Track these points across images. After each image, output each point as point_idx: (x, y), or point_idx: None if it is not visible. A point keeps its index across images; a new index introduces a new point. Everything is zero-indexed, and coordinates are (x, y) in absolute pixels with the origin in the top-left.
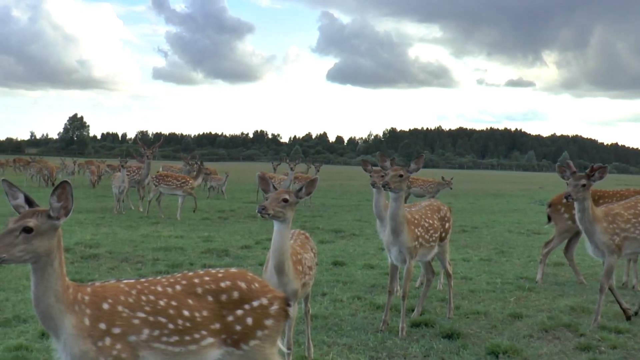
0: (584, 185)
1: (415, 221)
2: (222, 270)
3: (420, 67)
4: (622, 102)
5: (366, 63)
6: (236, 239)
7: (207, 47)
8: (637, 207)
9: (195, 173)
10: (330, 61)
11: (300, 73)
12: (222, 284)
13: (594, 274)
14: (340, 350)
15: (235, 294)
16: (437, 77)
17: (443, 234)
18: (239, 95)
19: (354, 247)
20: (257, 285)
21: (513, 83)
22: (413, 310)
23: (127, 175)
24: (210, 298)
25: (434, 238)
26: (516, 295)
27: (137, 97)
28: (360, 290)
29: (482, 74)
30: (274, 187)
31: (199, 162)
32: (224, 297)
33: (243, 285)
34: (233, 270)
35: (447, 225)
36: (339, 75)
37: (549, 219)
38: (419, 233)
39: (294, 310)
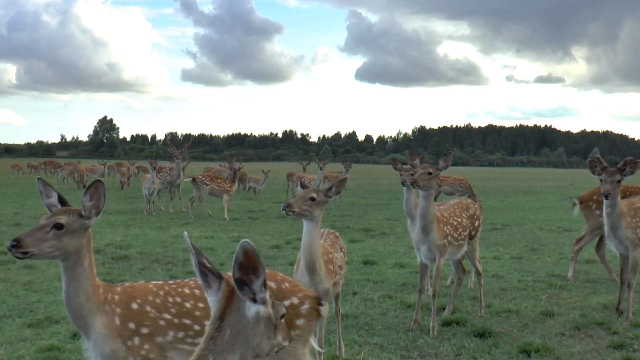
0: (619, 181)
1: (444, 219)
2: None
3: (449, 64)
4: None
5: (395, 62)
6: (266, 239)
7: (236, 48)
8: None
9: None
10: (359, 60)
11: (329, 73)
12: None
13: None
14: (372, 350)
15: None
16: (466, 74)
17: (472, 232)
18: (268, 95)
19: (384, 246)
20: (287, 285)
21: (542, 79)
22: (444, 309)
23: (159, 176)
24: None
25: (462, 236)
26: (548, 293)
27: (167, 99)
28: (391, 289)
29: (511, 71)
30: (302, 185)
31: (237, 167)
32: None
33: (273, 285)
34: None
35: (476, 223)
36: (367, 74)
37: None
38: (447, 231)
39: (325, 310)
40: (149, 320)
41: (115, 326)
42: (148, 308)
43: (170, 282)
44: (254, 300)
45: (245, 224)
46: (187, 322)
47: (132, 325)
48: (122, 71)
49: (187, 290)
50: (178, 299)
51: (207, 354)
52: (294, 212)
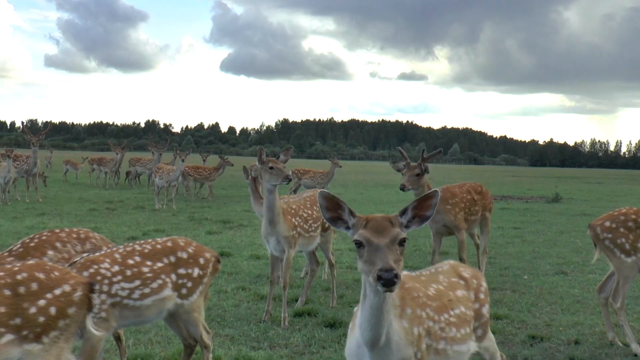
0: (418, 175)
1: (293, 211)
2: (18, 264)
3: (313, 59)
4: (511, 97)
5: (260, 54)
6: (123, 230)
7: (100, 34)
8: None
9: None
10: (224, 51)
11: (194, 63)
12: (19, 277)
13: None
14: (222, 342)
15: (34, 285)
16: (331, 69)
17: (326, 224)
18: (132, 84)
19: (242, 237)
20: (57, 273)
21: (405, 76)
22: (297, 300)
23: (15, 165)
24: (7, 292)
25: (313, 228)
26: None
27: (28, 84)
28: (245, 280)
29: (375, 67)
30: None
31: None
32: (22, 290)
33: (41, 275)
34: (30, 262)
35: None
36: (232, 66)
37: None
38: (296, 223)
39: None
40: None
41: None
42: None
43: None
44: (348, 228)
45: (102, 215)
46: None
47: None
48: None
49: None
50: None
51: None
52: None
